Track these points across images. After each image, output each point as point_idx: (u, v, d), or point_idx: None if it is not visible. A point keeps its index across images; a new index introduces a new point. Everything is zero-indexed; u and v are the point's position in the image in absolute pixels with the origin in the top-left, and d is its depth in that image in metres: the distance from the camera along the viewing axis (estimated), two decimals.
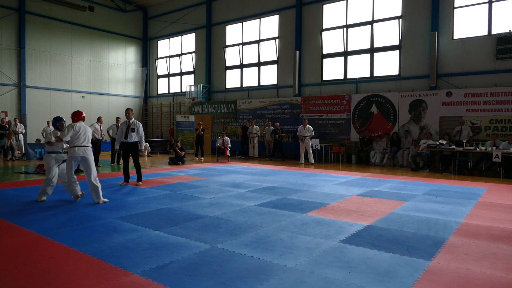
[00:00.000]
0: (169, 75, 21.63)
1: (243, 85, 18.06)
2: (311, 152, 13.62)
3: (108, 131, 12.70)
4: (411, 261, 3.49)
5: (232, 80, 18.58)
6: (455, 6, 12.39)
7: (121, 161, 12.52)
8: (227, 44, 18.56)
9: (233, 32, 18.39)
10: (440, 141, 11.13)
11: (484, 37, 11.92)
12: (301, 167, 12.01)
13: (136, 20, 21.94)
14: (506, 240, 4.19)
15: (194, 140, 16.05)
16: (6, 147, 13.82)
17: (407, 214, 5.41)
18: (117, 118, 12.66)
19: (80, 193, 6.21)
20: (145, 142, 17.36)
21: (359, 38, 14.57)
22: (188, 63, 20.50)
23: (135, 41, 21.96)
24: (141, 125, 8.05)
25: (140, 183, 8.03)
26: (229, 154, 14.21)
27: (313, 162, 13.57)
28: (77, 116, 6.25)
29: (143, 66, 22.34)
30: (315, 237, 4.21)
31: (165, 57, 21.70)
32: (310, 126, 13.79)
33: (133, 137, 7.91)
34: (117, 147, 8.28)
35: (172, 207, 5.76)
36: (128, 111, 8.07)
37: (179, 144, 13.36)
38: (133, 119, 8.05)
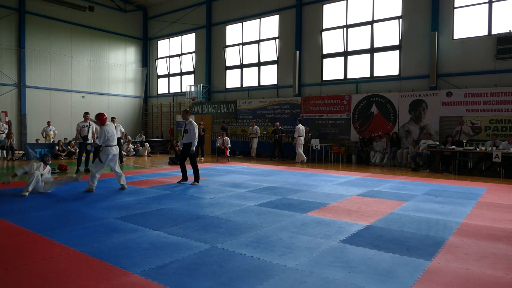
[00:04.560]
0: (169, 75, 21.63)
1: (243, 85, 18.07)
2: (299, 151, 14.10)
3: None
4: (411, 261, 3.49)
5: (232, 80, 18.58)
6: (455, 6, 12.39)
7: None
8: (227, 44, 18.56)
9: (233, 32, 18.39)
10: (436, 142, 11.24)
11: (484, 37, 11.92)
12: (301, 167, 12.00)
13: (136, 20, 21.94)
14: (506, 240, 4.19)
15: None
16: (6, 147, 13.82)
17: (407, 214, 5.41)
18: (113, 118, 12.64)
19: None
20: (145, 142, 17.59)
21: (359, 38, 14.57)
22: (188, 63, 20.50)
23: (135, 41, 21.96)
24: (194, 126, 8.04)
25: (197, 183, 8.13)
26: (229, 154, 14.22)
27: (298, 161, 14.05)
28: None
29: (143, 66, 22.35)
30: (315, 237, 4.21)
31: (165, 57, 21.70)
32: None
33: (186, 138, 8.10)
34: (180, 147, 8.42)
35: (172, 207, 5.76)
36: (183, 112, 8.36)
37: (179, 144, 13.33)
38: (189, 119, 8.17)
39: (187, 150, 8.11)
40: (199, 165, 12.23)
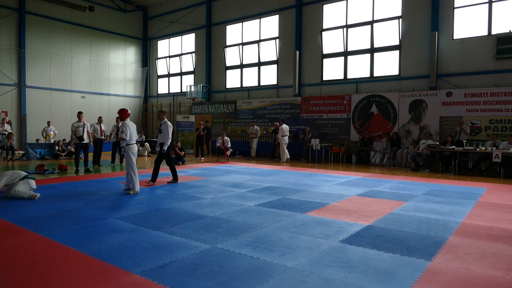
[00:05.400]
0: (169, 75, 21.63)
1: (243, 85, 18.07)
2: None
3: (110, 134, 12.69)
4: (411, 261, 3.49)
5: (232, 80, 18.59)
6: (455, 6, 12.39)
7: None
8: (227, 44, 18.56)
9: (233, 32, 18.39)
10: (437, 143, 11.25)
11: (484, 37, 11.92)
12: (301, 167, 12.01)
13: (136, 20, 21.94)
14: (506, 240, 4.19)
15: (194, 140, 16.07)
16: (6, 147, 13.82)
17: (407, 214, 5.41)
18: (117, 119, 12.66)
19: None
20: (145, 142, 17.59)
21: (359, 38, 14.57)
22: (188, 63, 20.50)
23: (135, 41, 21.96)
24: (168, 126, 8.04)
25: (153, 183, 8.10)
26: (229, 154, 14.22)
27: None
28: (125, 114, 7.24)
29: (143, 66, 22.34)
30: (315, 237, 4.21)
31: (165, 57, 21.70)
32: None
33: (160, 138, 8.14)
34: (157, 148, 8.42)
35: (172, 207, 5.76)
36: (158, 113, 8.43)
37: (179, 144, 13.35)
38: (164, 119, 8.20)
39: (161, 149, 8.16)
40: (199, 165, 12.27)
